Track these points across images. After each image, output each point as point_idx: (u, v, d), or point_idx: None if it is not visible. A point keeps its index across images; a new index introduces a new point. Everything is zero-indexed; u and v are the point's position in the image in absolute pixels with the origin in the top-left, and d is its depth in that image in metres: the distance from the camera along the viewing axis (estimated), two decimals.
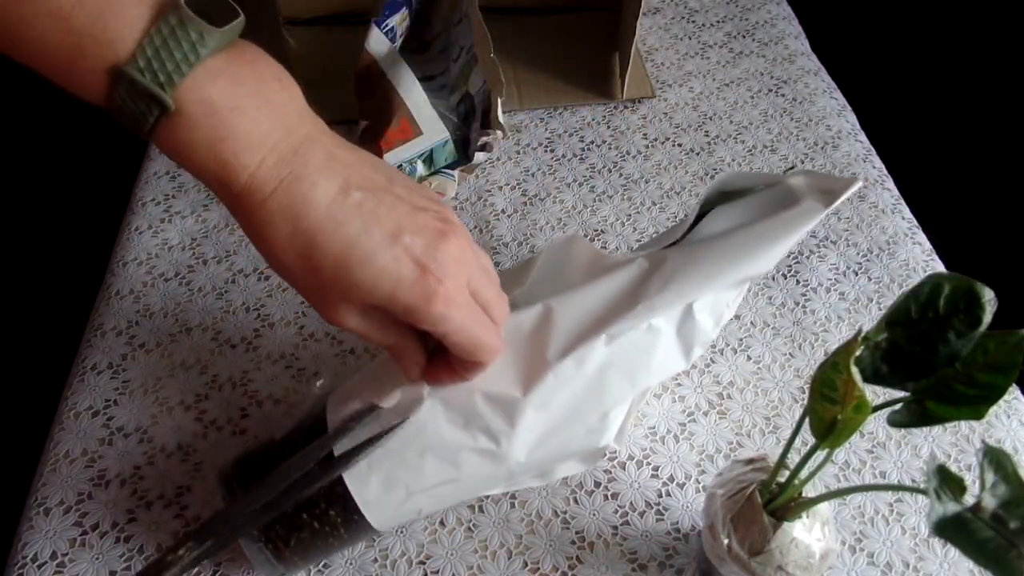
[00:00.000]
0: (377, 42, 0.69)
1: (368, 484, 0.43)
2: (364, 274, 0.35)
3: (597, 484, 0.54)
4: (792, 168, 0.53)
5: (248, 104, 0.34)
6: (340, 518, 0.44)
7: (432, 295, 0.36)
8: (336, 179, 0.36)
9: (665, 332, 0.43)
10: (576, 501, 0.53)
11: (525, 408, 0.42)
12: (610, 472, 0.55)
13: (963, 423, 0.57)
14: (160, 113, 0.33)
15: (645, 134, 0.78)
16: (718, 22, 0.90)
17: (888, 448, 0.56)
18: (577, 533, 0.52)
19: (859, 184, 0.46)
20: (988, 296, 0.36)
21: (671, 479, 0.54)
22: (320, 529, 0.44)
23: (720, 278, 0.43)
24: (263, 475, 0.42)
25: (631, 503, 0.53)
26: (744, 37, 0.88)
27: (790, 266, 0.67)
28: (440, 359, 0.41)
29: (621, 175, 0.74)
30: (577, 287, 0.44)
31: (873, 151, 0.77)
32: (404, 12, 0.72)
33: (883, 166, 0.76)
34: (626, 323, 0.42)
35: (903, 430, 0.56)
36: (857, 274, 0.66)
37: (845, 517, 0.52)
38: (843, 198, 0.43)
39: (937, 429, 0.57)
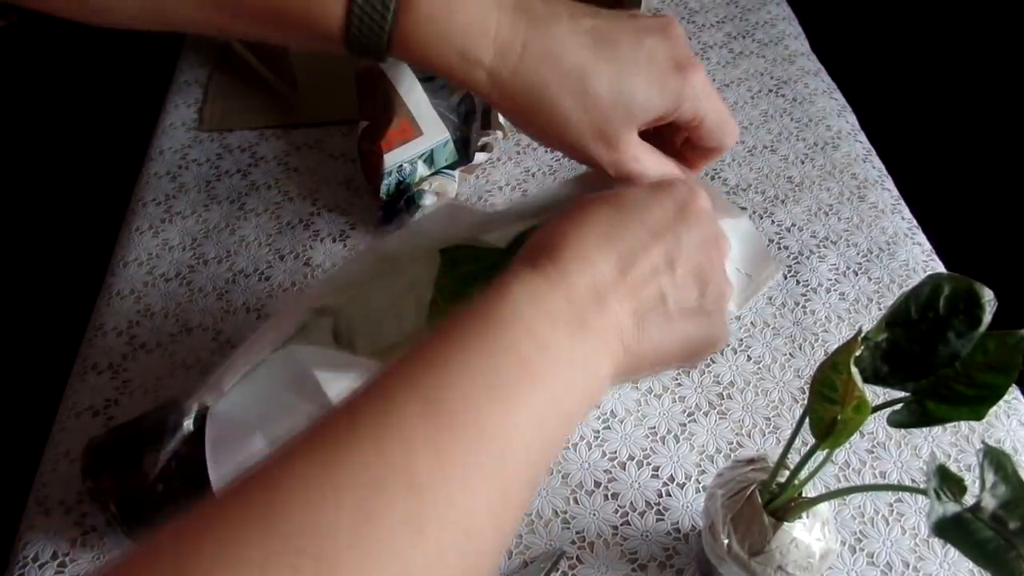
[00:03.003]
0: None
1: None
2: (636, 84, 0.39)
3: (597, 484, 0.54)
4: None
5: None
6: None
7: (690, 80, 0.40)
8: (560, 9, 0.39)
9: None
10: (576, 501, 0.53)
11: None
12: (610, 472, 0.55)
13: (963, 423, 0.57)
14: (396, 7, 0.36)
15: None
16: (718, 22, 0.90)
17: (888, 448, 0.56)
18: (577, 533, 0.52)
19: None
20: (988, 296, 0.36)
21: (671, 479, 0.54)
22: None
23: None
24: (125, 457, 0.46)
25: (631, 503, 0.53)
26: (744, 37, 0.88)
27: (790, 266, 0.67)
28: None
29: None
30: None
31: (873, 151, 0.77)
32: None
33: (883, 166, 0.76)
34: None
35: (903, 430, 0.56)
36: (857, 274, 0.66)
37: (845, 517, 0.53)
38: None
39: (937, 429, 0.57)
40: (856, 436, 0.47)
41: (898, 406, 0.39)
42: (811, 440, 0.39)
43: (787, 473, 0.43)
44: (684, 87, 0.40)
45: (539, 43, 0.38)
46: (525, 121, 0.41)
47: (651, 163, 0.42)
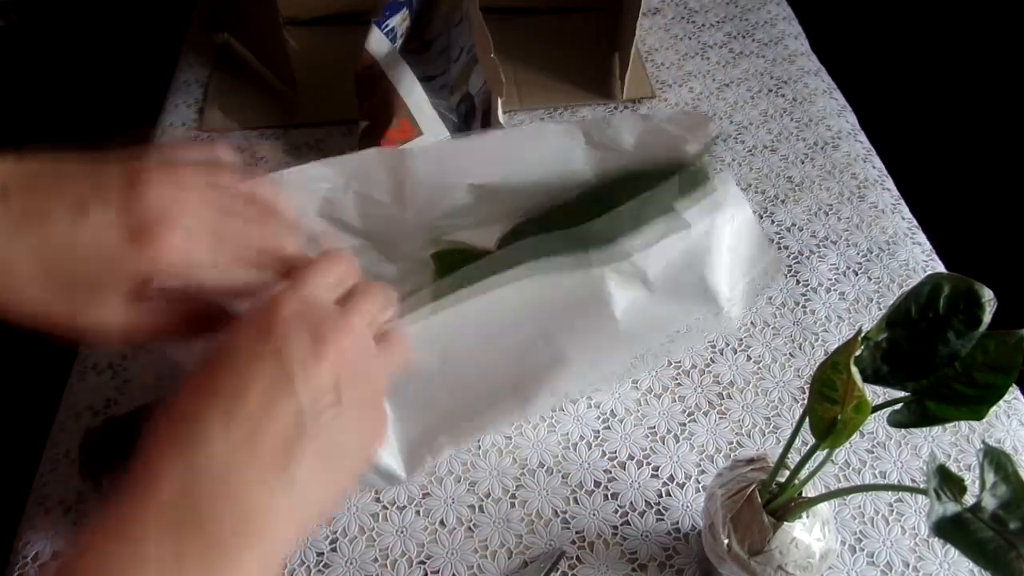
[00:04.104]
0: (377, 42, 0.69)
1: None
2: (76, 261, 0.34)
3: (597, 484, 0.54)
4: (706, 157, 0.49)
5: None
6: None
7: (153, 246, 0.34)
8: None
9: None
10: (576, 501, 0.53)
11: None
12: (610, 472, 0.55)
13: (963, 423, 0.57)
14: None
15: None
16: (718, 22, 0.90)
17: (888, 448, 0.56)
18: (577, 533, 0.52)
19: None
20: (988, 296, 0.36)
21: (671, 479, 0.54)
22: None
23: None
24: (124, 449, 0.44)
25: (631, 503, 0.53)
26: (744, 37, 0.88)
27: (790, 266, 0.67)
28: None
29: None
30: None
31: (873, 151, 0.77)
32: (404, 12, 0.72)
33: (883, 166, 0.76)
34: None
35: (903, 430, 0.56)
36: (857, 274, 0.66)
37: (845, 517, 0.52)
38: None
39: (937, 429, 0.57)
40: (856, 436, 0.47)
41: (898, 406, 0.39)
42: (811, 440, 0.39)
43: (787, 473, 0.43)
44: (142, 257, 0.32)
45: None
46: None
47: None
